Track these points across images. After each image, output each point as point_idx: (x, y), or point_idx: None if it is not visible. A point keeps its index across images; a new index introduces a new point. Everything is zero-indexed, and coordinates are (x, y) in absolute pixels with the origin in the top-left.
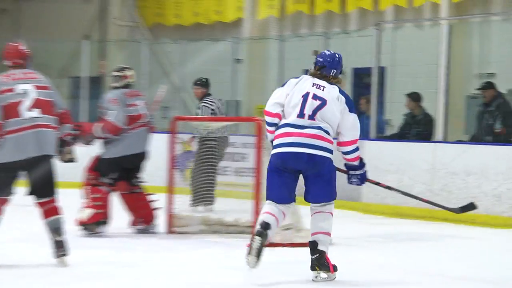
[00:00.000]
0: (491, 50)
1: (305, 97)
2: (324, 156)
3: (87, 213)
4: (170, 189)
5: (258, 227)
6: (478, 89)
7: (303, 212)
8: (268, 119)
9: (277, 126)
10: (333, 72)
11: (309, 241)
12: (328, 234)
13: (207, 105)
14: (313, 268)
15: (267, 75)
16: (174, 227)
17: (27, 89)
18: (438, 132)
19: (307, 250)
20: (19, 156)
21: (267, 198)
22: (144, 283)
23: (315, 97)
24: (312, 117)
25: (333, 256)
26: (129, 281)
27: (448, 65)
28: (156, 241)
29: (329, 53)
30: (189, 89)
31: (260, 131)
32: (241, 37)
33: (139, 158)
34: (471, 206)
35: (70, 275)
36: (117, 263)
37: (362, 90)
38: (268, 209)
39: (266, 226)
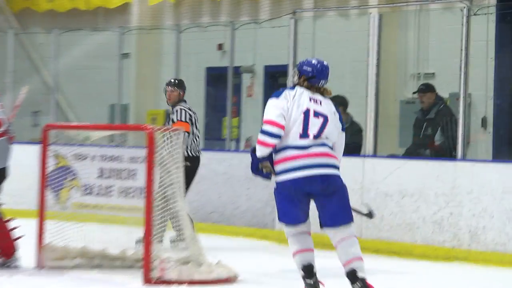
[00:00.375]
0: (430, 45)
1: (306, 114)
2: (336, 174)
3: None
4: (42, 214)
5: (303, 274)
6: (415, 92)
7: (204, 244)
8: (274, 129)
9: (279, 139)
10: (322, 83)
11: (347, 272)
12: (362, 259)
13: (186, 109)
14: None
15: (161, 72)
16: (45, 261)
17: None
18: (368, 145)
19: None
20: None
21: (283, 221)
22: None
23: (316, 114)
24: (317, 136)
25: None
26: None
27: (379, 63)
28: (22, 278)
29: (316, 61)
30: (65, 90)
31: (151, 142)
32: (129, 26)
33: None
34: (370, 214)
35: None
36: None
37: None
38: (298, 243)
39: (310, 269)
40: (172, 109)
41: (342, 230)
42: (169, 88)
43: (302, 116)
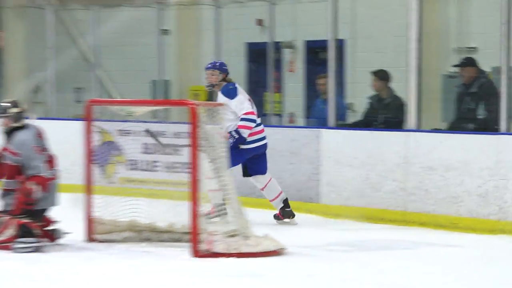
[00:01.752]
0: (472, 19)
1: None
2: None
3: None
4: (88, 188)
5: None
6: (456, 66)
7: (250, 217)
8: (254, 117)
9: None
10: None
11: (284, 200)
12: None
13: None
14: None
15: (201, 49)
16: (94, 234)
17: None
18: (411, 119)
19: (255, 260)
20: None
21: None
22: None
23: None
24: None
25: (289, 269)
26: None
27: (420, 37)
28: (72, 252)
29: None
30: (106, 66)
31: (195, 117)
32: (168, 2)
33: None
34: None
35: None
36: (27, 277)
37: (317, 68)
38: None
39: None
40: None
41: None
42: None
43: (250, 102)
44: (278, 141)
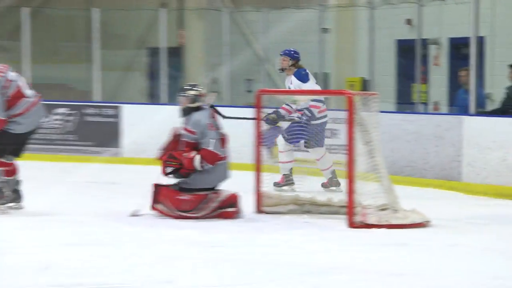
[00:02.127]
0: None
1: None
2: None
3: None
4: (258, 167)
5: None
6: None
7: (399, 193)
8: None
9: None
10: None
11: (332, 171)
12: None
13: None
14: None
15: (357, 45)
16: (263, 207)
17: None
18: None
19: (403, 231)
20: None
21: None
22: (230, 264)
23: None
24: None
25: (433, 239)
26: (214, 263)
27: None
28: (243, 222)
29: None
30: (274, 62)
31: (351, 105)
32: (328, 4)
33: None
34: None
35: (153, 255)
36: (203, 243)
37: (460, 62)
38: None
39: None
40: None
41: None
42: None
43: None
44: (424, 126)
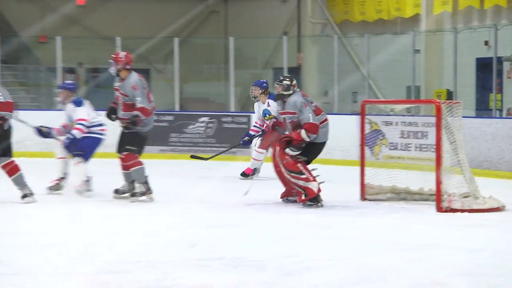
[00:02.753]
0: None
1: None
2: None
3: (316, 185)
4: (362, 163)
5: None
6: None
7: (479, 183)
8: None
9: None
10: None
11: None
12: None
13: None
14: None
15: (443, 63)
16: (366, 195)
17: None
18: None
19: (483, 214)
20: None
21: None
22: (341, 242)
23: None
24: None
25: (507, 221)
26: (327, 241)
27: None
28: (350, 207)
29: None
30: (375, 78)
31: (439, 112)
32: (419, 30)
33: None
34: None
35: (277, 234)
36: (317, 225)
37: None
38: None
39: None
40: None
41: None
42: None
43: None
44: (499, 128)
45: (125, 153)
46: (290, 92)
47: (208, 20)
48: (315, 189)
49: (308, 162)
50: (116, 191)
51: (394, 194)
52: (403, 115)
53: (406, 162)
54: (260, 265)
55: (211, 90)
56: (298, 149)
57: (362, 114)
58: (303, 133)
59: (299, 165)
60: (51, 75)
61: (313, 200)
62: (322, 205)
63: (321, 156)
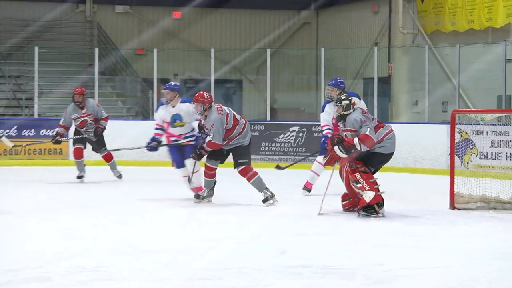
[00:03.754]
0: None
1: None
2: None
3: (370, 195)
4: (452, 172)
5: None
6: None
7: None
8: None
9: None
10: None
11: None
12: None
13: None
14: None
15: None
16: (456, 204)
17: None
18: None
19: None
20: None
21: None
22: (431, 251)
23: None
24: None
25: None
26: (416, 250)
27: None
28: (440, 216)
29: None
30: (466, 88)
31: None
32: (511, 39)
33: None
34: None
35: (368, 242)
36: (407, 233)
37: None
38: None
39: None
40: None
41: None
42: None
43: None
44: None
45: (241, 167)
46: (351, 111)
47: (300, 31)
48: (368, 199)
49: (373, 171)
50: (197, 196)
51: (484, 203)
52: (494, 124)
53: (496, 171)
54: (349, 273)
55: (302, 100)
56: (346, 151)
57: (452, 123)
58: (356, 140)
59: (357, 174)
60: (146, 86)
61: (368, 209)
62: (381, 215)
63: (410, 165)
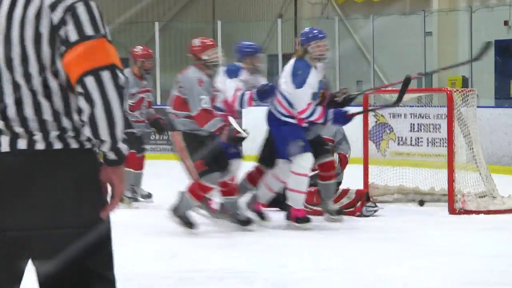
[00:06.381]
0: None
1: None
2: None
3: None
4: (366, 160)
5: None
6: None
7: (498, 181)
8: None
9: None
10: None
11: None
12: None
13: None
14: None
15: (457, 47)
16: (370, 196)
17: None
18: None
19: (500, 216)
20: None
21: None
22: (337, 252)
23: None
24: None
25: None
26: (318, 250)
27: None
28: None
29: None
30: (382, 64)
31: (450, 102)
32: (431, 9)
33: None
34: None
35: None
36: (308, 232)
37: None
38: None
39: None
40: None
41: None
42: None
43: None
44: None
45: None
46: None
47: (194, 2)
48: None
49: None
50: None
51: (402, 195)
52: (413, 106)
53: (416, 158)
54: (248, 277)
55: None
56: None
57: (365, 105)
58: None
59: None
60: None
61: None
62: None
63: None
